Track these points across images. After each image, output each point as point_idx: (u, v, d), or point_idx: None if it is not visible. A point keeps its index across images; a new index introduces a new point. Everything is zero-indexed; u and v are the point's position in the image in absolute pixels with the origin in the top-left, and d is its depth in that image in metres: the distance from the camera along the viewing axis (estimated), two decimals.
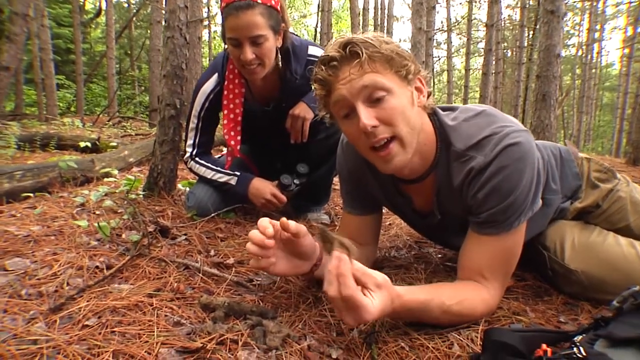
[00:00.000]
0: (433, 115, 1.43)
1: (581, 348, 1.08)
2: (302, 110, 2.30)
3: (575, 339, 1.15)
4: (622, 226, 1.73)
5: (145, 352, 1.07)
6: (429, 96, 1.40)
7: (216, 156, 2.61)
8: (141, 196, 2.49)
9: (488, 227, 1.37)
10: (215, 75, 2.31)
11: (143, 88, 19.88)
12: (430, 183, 1.48)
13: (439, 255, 2.07)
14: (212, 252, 1.80)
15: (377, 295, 1.10)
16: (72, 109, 15.48)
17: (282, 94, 2.33)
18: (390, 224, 2.57)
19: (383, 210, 1.80)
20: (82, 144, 4.54)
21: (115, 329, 1.17)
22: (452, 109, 1.48)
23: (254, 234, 1.23)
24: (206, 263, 1.66)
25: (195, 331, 1.18)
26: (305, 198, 2.52)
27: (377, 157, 1.33)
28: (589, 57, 24.42)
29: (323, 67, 1.30)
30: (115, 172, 3.21)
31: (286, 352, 1.12)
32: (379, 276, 1.12)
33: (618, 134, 22.77)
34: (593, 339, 1.14)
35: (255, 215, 2.44)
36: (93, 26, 21.42)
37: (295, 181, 2.37)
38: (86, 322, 1.19)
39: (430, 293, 1.27)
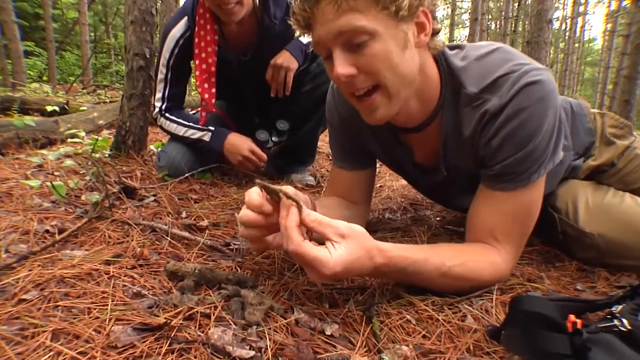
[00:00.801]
0: (439, 55, 1.21)
1: (624, 320, 0.90)
2: (285, 60, 2.06)
3: (614, 309, 0.97)
4: (637, 187, 1.56)
5: (93, 330, 0.85)
6: (435, 33, 1.17)
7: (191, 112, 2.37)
8: (107, 156, 2.24)
9: (503, 181, 1.18)
10: (185, 19, 2.05)
11: (120, 57, 19.21)
12: (434, 132, 1.27)
13: (438, 218, 1.88)
14: (184, 214, 1.58)
15: (342, 246, 0.93)
16: (45, 78, 14.87)
17: (260, 41, 2.09)
18: (381, 186, 2.37)
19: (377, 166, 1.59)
20: (49, 108, 4.21)
21: (59, 303, 0.95)
22: (461, 47, 1.26)
23: (246, 215, 1.03)
24: (176, 225, 1.44)
25: (158, 304, 0.97)
26: (288, 157, 2.30)
27: (360, 106, 1.15)
28: (573, 30, 24.31)
29: (298, 1, 1.07)
30: (83, 134, 2.93)
31: (269, 328, 0.91)
32: (342, 225, 0.95)
33: (599, 108, 22.82)
34: (635, 309, 0.96)
35: (234, 175, 2.22)
36: None
37: (273, 138, 2.15)
38: (23, 296, 0.97)
39: (426, 252, 1.09)
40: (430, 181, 1.46)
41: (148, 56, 2.27)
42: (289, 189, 0.99)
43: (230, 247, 1.32)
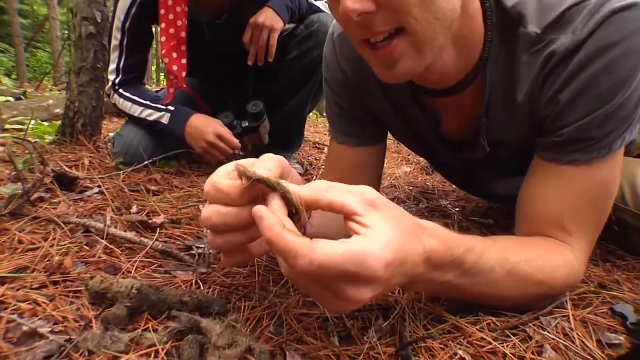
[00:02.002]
0: None
1: None
2: (268, 18, 1.67)
3: None
4: None
5: None
6: None
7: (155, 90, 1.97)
8: (48, 141, 1.84)
9: (573, 151, 0.83)
10: None
11: None
12: (474, 94, 0.92)
13: (457, 209, 1.53)
14: (135, 209, 1.19)
15: (378, 221, 0.55)
16: (14, 76, 14.20)
17: (236, 1, 1.70)
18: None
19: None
20: (2, 99, 3.77)
21: None
22: None
23: (216, 214, 0.61)
24: (120, 223, 1.06)
25: (64, 350, 0.59)
26: (270, 141, 1.91)
27: (374, 57, 0.78)
28: None
29: None
30: (31, 122, 2.52)
31: None
32: (367, 189, 0.58)
33: None
34: None
35: (206, 163, 1.83)
36: None
37: (243, 123, 1.76)
38: None
39: (480, 240, 0.73)
40: (461, 161, 1.10)
41: (100, 21, 1.87)
42: (270, 163, 0.63)
43: (192, 252, 0.94)
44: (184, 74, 1.69)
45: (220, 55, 1.85)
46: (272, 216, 0.52)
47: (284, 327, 0.69)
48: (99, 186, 1.38)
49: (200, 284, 0.81)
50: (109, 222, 1.03)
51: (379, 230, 0.53)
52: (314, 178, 1.79)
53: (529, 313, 0.81)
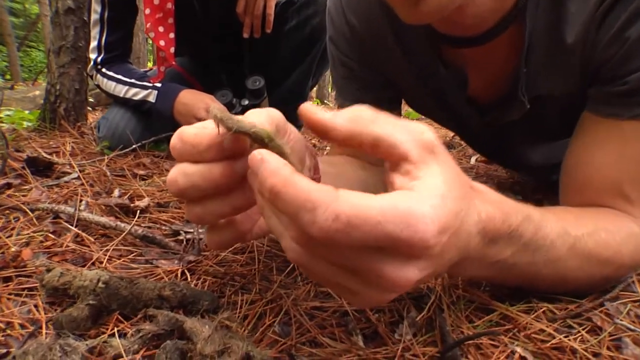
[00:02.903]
0: None
1: None
2: None
3: None
4: None
5: None
6: None
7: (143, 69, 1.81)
8: (26, 126, 1.69)
9: (637, 104, 0.67)
10: None
11: None
12: (509, 42, 0.76)
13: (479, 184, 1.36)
14: (117, 193, 1.04)
15: (431, 171, 0.38)
16: (7, 76, 13.97)
17: None
18: None
19: None
20: None
21: None
22: None
23: (186, 173, 0.44)
24: (96, 208, 0.90)
25: None
26: None
27: None
28: None
29: None
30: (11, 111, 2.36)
31: None
32: (421, 128, 0.41)
33: None
34: None
35: None
36: None
37: (243, 101, 1.60)
38: None
39: (540, 210, 0.57)
40: (492, 125, 0.94)
41: None
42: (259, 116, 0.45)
43: (180, 237, 0.79)
44: (172, 49, 1.53)
45: (212, 29, 1.69)
46: (276, 158, 0.35)
47: (292, 325, 0.54)
48: (80, 171, 1.23)
49: (188, 274, 0.66)
50: (82, 207, 0.87)
51: (432, 185, 0.36)
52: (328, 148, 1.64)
53: (588, 298, 0.66)
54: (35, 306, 0.55)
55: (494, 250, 0.50)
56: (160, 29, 1.51)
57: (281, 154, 0.38)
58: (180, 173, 0.43)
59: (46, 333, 0.49)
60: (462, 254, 0.44)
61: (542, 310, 0.63)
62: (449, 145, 2.03)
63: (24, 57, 15.57)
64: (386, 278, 0.35)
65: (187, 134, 0.42)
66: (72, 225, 0.79)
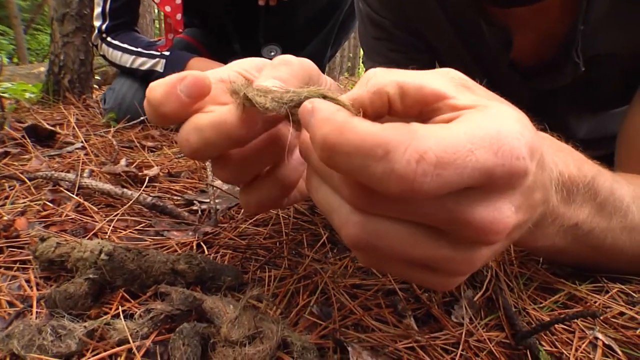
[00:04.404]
0: None
1: None
2: None
3: None
4: None
5: None
6: None
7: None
8: (28, 97, 1.61)
9: None
10: None
11: None
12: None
13: None
14: (124, 162, 0.95)
15: (479, 98, 0.28)
16: (15, 60, 13.86)
17: None
18: None
19: None
20: None
21: None
22: None
23: (188, 130, 0.35)
24: (100, 176, 0.82)
25: None
26: None
27: None
28: None
29: None
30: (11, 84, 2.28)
31: None
32: (448, 70, 0.32)
33: None
34: None
35: None
36: None
37: None
38: None
39: (611, 173, 0.47)
40: (537, 91, 0.84)
41: None
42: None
43: (194, 207, 0.70)
44: (178, 16, 1.42)
45: None
46: (328, 105, 0.27)
47: (333, 305, 0.45)
48: (84, 141, 1.14)
49: (204, 246, 0.57)
50: (86, 174, 0.79)
51: (497, 103, 0.27)
52: None
53: None
54: (27, 281, 0.47)
55: (571, 208, 0.40)
56: None
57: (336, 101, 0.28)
58: (192, 128, 0.34)
59: (37, 312, 0.40)
60: (545, 203, 0.34)
61: (615, 290, 0.54)
62: None
63: (31, 40, 15.43)
64: (478, 224, 0.26)
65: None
66: (73, 194, 0.70)
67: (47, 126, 1.23)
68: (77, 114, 1.50)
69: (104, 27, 1.51)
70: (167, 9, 1.41)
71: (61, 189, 0.73)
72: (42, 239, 0.49)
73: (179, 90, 0.34)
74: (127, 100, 1.47)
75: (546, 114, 0.95)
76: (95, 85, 2.68)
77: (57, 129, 1.25)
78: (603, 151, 0.74)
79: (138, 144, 1.20)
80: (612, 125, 0.87)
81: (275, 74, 0.37)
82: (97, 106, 1.70)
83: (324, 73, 1.76)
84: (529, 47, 0.77)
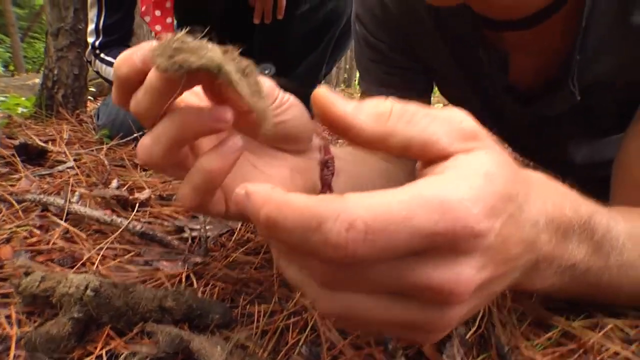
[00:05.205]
0: None
1: None
2: None
3: None
4: None
5: None
6: None
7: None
8: (20, 112, 1.60)
9: None
10: None
11: None
12: (562, 23, 0.66)
13: None
14: (115, 184, 0.94)
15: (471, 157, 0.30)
16: (11, 68, 13.86)
17: None
18: None
19: None
20: None
21: None
22: None
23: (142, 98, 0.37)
24: (90, 200, 0.81)
25: None
26: None
27: None
28: None
29: None
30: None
31: None
32: (461, 118, 0.31)
33: None
34: None
35: None
36: None
37: None
38: None
39: (607, 209, 0.47)
40: (534, 117, 0.84)
41: None
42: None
43: (184, 235, 0.69)
44: (169, 35, 1.42)
45: (219, 13, 1.59)
46: (262, 186, 0.28)
47: (322, 345, 0.44)
48: (75, 159, 1.14)
49: (194, 278, 0.56)
50: (76, 198, 0.78)
51: (473, 164, 0.29)
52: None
53: None
54: (8, 317, 0.46)
55: (567, 250, 0.40)
56: (157, 12, 1.41)
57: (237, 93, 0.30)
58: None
59: (15, 356, 0.39)
60: (532, 254, 0.34)
61: (609, 327, 0.54)
62: None
63: (28, 48, 15.44)
64: (438, 287, 0.27)
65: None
66: (61, 220, 0.69)
67: (39, 142, 1.23)
68: (69, 130, 1.49)
69: (97, 43, 1.51)
70: (157, 27, 1.41)
71: (49, 214, 0.72)
72: (27, 273, 0.48)
73: (135, 57, 0.35)
74: (120, 116, 1.46)
75: (544, 138, 0.96)
76: (90, 97, 2.68)
77: (49, 145, 1.25)
78: (601, 174, 0.74)
79: (130, 163, 1.19)
80: (611, 151, 0.87)
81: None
82: (90, 121, 1.69)
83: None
84: (525, 72, 0.77)
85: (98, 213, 0.69)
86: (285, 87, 1.54)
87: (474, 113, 0.85)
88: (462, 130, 0.31)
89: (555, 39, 0.68)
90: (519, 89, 0.80)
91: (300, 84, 1.62)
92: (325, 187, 0.57)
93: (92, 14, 1.50)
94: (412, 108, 0.30)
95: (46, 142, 1.37)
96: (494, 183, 0.28)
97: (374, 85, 0.89)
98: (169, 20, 1.43)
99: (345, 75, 11.84)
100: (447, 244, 0.26)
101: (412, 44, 0.84)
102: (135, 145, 1.37)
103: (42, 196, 0.75)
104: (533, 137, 0.98)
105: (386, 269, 0.27)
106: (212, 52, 0.30)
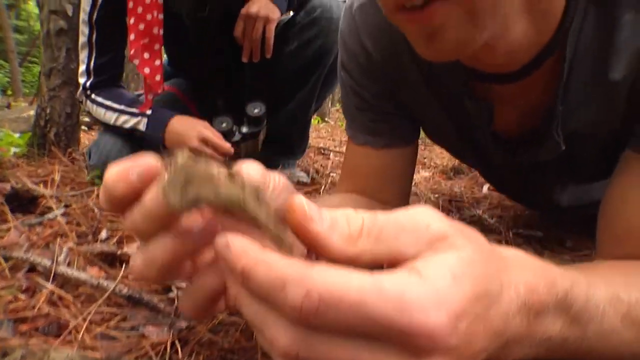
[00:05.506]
0: None
1: None
2: (262, 7, 1.43)
3: None
4: None
5: None
6: None
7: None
8: (13, 153, 1.61)
9: None
10: None
11: None
12: (545, 76, 0.68)
13: (493, 219, 1.28)
14: (104, 235, 0.95)
15: (441, 262, 0.31)
16: (9, 92, 13.93)
17: None
18: None
19: None
20: None
21: None
22: None
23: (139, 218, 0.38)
24: (79, 257, 0.81)
25: None
26: (270, 147, 1.67)
27: (410, 25, 0.55)
28: None
29: None
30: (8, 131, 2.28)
31: None
32: (428, 220, 0.32)
33: None
34: None
35: None
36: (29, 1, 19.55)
37: (243, 129, 1.51)
38: None
39: (584, 273, 0.48)
40: (520, 163, 0.86)
41: (71, 14, 1.65)
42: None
43: (171, 295, 0.70)
44: (157, 77, 1.44)
45: (208, 51, 1.61)
46: (242, 241, 0.31)
47: None
48: (66, 206, 1.14)
49: (178, 346, 0.57)
50: (63, 256, 0.78)
51: (440, 264, 0.30)
52: (322, 187, 1.55)
53: None
54: None
55: (542, 326, 0.41)
56: (146, 55, 1.43)
57: (256, 222, 0.33)
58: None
59: None
60: (501, 340, 0.35)
61: None
62: (457, 171, 1.95)
63: (26, 72, 15.54)
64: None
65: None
66: (48, 281, 0.69)
67: (30, 186, 1.24)
68: (62, 170, 1.49)
69: (88, 84, 1.53)
70: (146, 70, 1.42)
71: (36, 274, 0.73)
72: (4, 354, 0.48)
73: (131, 174, 0.36)
74: (111, 157, 1.47)
75: (531, 184, 0.97)
76: (84, 127, 2.70)
77: (41, 188, 1.26)
78: (590, 212, 0.74)
79: None
80: (598, 192, 0.89)
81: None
82: (82, 159, 1.70)
83: (309, 124, 1.77)
84: (511, 120, 0.78)
85: (85, 276, 0.69)
86: (275, 126, 1.57)
87: (460, 157, 0.89)
88: (429, 235, 0.32)
89: (539, 90, 0.70)
90: (505, 135, 0.81)
91: (291, 121, 1.64)
92: (312, 253, 0.58)
93: (83, 55, 1.52)
94: (381, 221, 0.32)
95: (38, 183, 1.38)
96: (461, 285, 0.30)
97: (360, 133, 0.90)
98: (157, 62, 1.45)
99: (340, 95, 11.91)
100: (402, 340, 0.28)
101: (398, 91, 0.86)
102: None
103: (29, 255, 0.76)
104: (521, 183, 0.99)
105: (341, 342, 0.29)
106: (227, 187, 0.32)
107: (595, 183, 0.93)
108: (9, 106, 3.96)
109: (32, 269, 0.75)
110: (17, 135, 1.93)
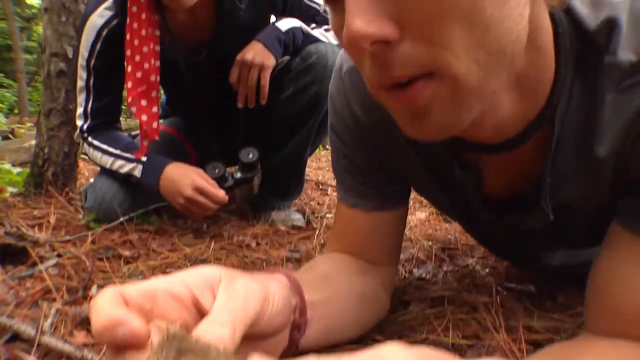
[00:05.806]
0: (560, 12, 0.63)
1: None
2: (258, 54, 1.46)
3: None
4: None
5: None
6: None
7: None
8: (9, 193, 1.62)
9: None
10: (110, 2, 1.45)
11: None
12: (534, 147, 0.69)
13: (487, 270, 1.28)
14: (94, 290, 0.95)
15: None
16: (16, 111, 14.10)
17: (218, 35, 1.50)
18: None
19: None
20: None
21: None
22: None
23: None
24: (64, 318, 0.81)
25: None
26: (266, 189, 1.68)
27: (394, 103, 0.55)
28: None
29: None
30: (7, 166, 2.30)
31: None
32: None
33: None
34: None
35: (191, 217, 1.59)
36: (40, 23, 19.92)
37: (237, 175, 1.53)
38: None
39: None
40: (509, 227, 0.86)
41: (71, 57, 1.68)
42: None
43: None
44: (154, 124, 1.46)
45: (203, 95, 1.63)
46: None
47: None
48: (58, 255, 1.15)
49: None
50: (50, 320, 0.79)
51: None
52: (317, 231, 1.55)
53: None
54: None
55: None
56: (143, 102, 1.45)
57: None
58: None
59: None
60: None
61: None
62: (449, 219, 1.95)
63: (33, 91, 15.73)
64: None
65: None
66: (30, 354, 0.69)
67: (25, 230, 1.25)
68: (57, 213, 1.50)
69: (85, 126, 1.55)
70: (144, 117, 1.44)
71: (17, 345, 0.73)
72: None
73: (117, 331, 0.36)
74: (107, 199, 1.48)
75: (520, 247, 0.97)
76: (83, 155, 2.71)
77: (35, 232, 1.27)
78: (581, 272, 0.74)
79: (114, 254, 1.21)
80: (588, 255, 0.89)
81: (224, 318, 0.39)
82: (79, 198, 1.71)
83: (304, 168, 1.78)
84: (500, 186, 0.79)
85: (69, 348, 0.69)
86: (271, 169, 1.58)
87: (450, 216, 0.90)
88: None
89: (526, 161, 0.70)
90: (494, 198, 0.82)
91: (286, 164, 1.66)
92: (293, 346, 0.58)
93: (80, 98, 1.54)
94: None
95: (33, 227, 1.39)
96: None
97: (350, 196, 0.91)
98: (154, 109, 1.47)
99: None
100: None
101: (387, 157, 0.86)
102: (121, 232, 1.39)
103: (12, 321, 0.76)
104: (510, 245, 1.00)
105: None
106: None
107: (586, 249, 0.93)
108: (12, 132, 3.99)
109: (15, 337, 0.75)
110: (16, 170, 1.95)
